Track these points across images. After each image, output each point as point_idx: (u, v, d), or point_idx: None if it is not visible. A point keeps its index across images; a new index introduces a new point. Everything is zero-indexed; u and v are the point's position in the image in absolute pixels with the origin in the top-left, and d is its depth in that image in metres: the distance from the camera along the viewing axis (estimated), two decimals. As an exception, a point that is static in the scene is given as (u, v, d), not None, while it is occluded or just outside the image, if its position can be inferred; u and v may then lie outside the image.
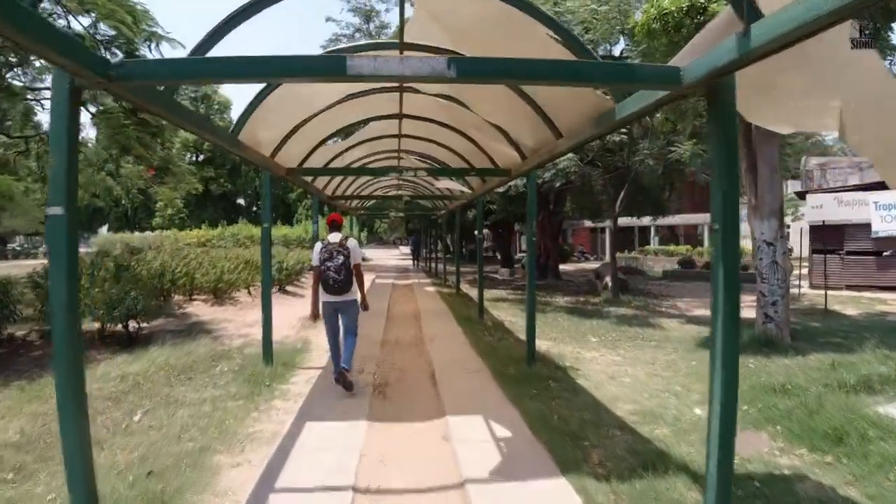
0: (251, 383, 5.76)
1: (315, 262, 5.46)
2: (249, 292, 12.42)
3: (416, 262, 29.37)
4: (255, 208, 50.17)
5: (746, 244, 10.44)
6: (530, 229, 6.91)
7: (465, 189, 11.79)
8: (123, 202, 32.44)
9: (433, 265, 26.40)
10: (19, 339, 7.61)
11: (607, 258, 37.85)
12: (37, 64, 8.57)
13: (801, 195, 17.45)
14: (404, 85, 6.47)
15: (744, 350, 8.15)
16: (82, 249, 31.60)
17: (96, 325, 7.95)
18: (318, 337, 8.59)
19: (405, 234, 51.51)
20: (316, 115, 6.33)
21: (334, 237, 5.51)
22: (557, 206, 20.87)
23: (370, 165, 10.86)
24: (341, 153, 9.12)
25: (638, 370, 7.02)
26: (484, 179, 9.36)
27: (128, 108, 7.80)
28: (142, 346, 7.56)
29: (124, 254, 14.59)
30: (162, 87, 2.87)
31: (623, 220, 24.75)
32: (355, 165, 10.93)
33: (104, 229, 41.21)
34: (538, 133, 5.71)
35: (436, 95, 6.54)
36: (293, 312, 11.07)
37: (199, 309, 10.87)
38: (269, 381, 5.85)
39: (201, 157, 43.88)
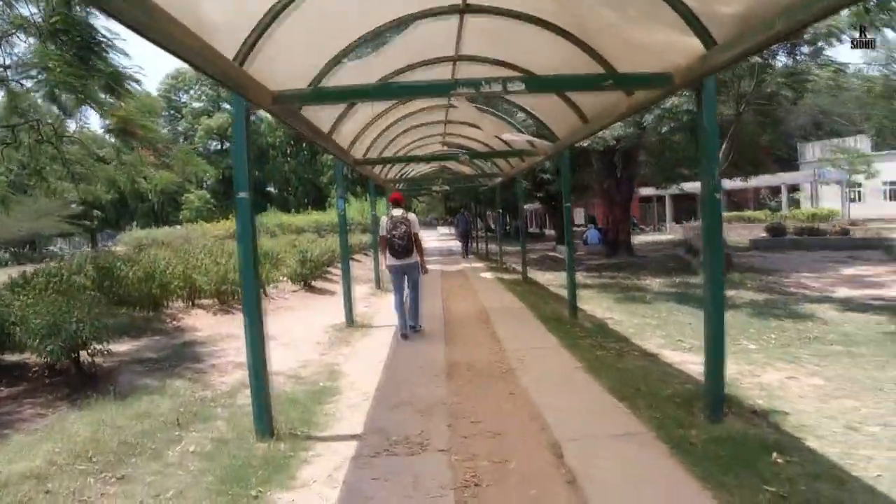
0: (226, 484, 3.05)
1: (382, 233, 6.52)
2: (266, 293, 9.79)
3: (466, 248, 21.29)
4: (285, 194, 48.24)
5: None
6: (710, 185, 3.82)
7: (536, 141, 8.64)
8: (151, 197, 30.55)
9: (476, 245, 23.44)
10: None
11: (667, 229, 34.35)
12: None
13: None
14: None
15: None
16: (110, 248, 29.91)
17: (41, 359, 5.48)
18: (354, 361, 5.84)
19: (442, 215, 48.29)
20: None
21: (397, 212, 6.50)
22: (628, 170, 17.17)
23: (413, 113, 7.91)
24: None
25: (870, 404, 4.19)
26: (583, 119, 6.16)
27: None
28: (97, 389, 5.06)
29: (118, 254, 12.26)
30: None
31: (684, 186, 20.76)
32: (392, 119, 8.06)
33: (134, 226, 39.57)
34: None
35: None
36: (321, 320, 8.29)
37: (199, 320, 8.31)
38: (258, 484, 3.07)
39: (227, 146, 42.20)
